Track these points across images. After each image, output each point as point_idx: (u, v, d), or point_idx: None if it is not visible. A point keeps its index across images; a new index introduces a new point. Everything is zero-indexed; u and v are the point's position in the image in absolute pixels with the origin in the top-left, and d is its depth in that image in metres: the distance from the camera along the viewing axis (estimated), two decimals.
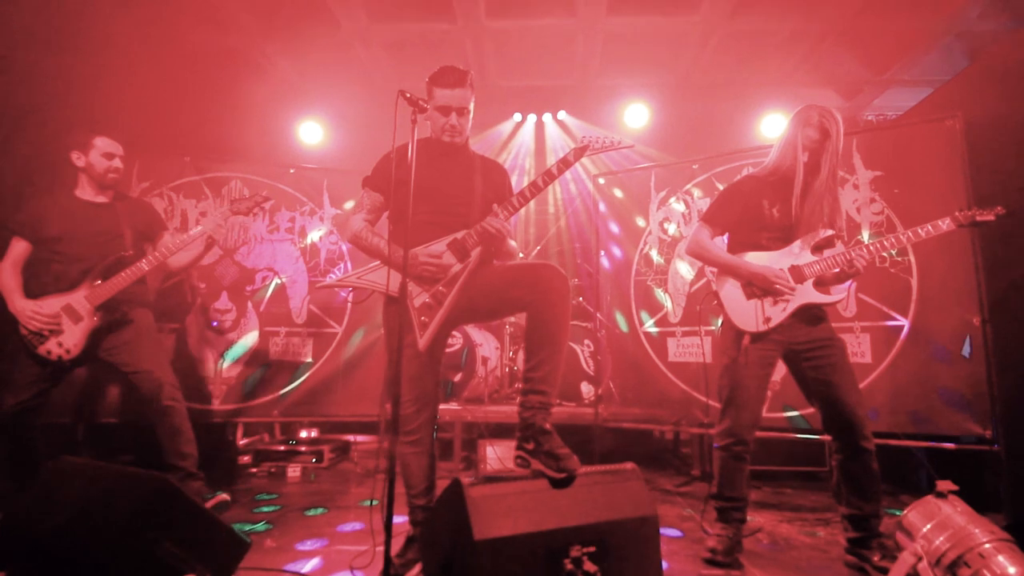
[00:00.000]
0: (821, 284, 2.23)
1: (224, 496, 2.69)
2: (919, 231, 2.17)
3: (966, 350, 2.89)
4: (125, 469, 1.72)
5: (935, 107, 4.20)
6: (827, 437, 3.23)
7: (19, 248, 2.64)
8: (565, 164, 2.05)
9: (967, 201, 2.98)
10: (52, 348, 2.52)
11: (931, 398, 2.98)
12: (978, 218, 2.15)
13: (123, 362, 2.62)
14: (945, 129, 3.10)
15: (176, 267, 2.83)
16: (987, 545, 1.50)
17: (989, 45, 4.68)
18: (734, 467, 2.22)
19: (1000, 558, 1.47)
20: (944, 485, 1.64)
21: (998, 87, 3.42)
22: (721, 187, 3.67)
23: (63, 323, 2.53)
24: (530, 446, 1.77)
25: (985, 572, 1.47)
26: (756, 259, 2.25)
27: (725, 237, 2.40)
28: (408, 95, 1.86)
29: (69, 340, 2.53)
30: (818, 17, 4.70)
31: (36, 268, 2.67)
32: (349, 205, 4.14)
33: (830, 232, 2.25)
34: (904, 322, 3.09)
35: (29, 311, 2.50)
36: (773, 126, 5.53)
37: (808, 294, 2.20)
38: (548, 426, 1.78)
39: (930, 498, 1.66)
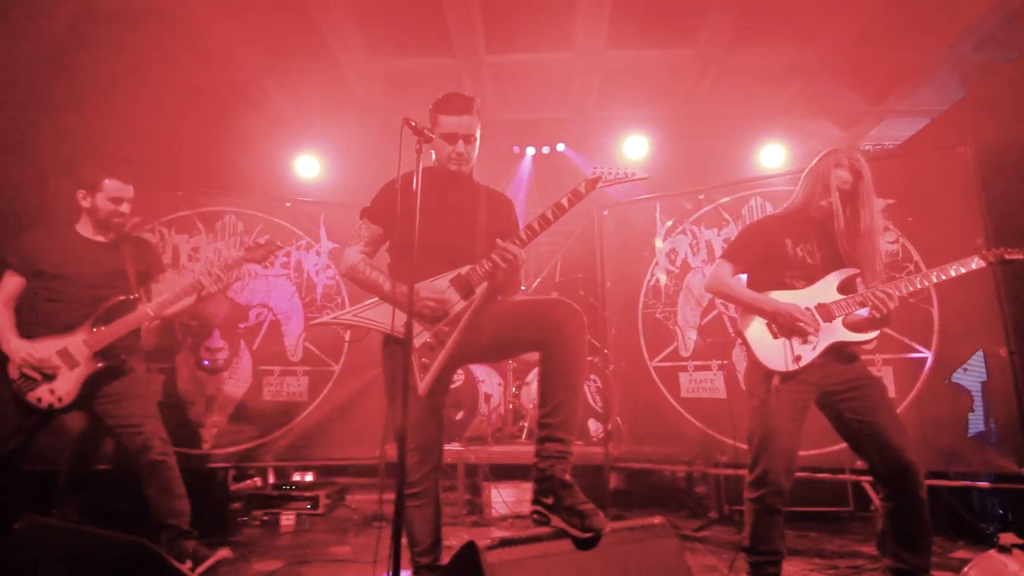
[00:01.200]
0: (853, 325, 2.12)
1: (225, 552, 2.48)
2: (948, 270, 2.10)
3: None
4: (98, 532, 1.56)
5: (937, 136, 4.20)
6: (849, 477, 3.12)
7: (13, 283, 2.50)
8: (576, 196, 1.96)
9: (984, 229, 2.91)
10: (43, 395, 2.35)
11: (961, 434, 2.84)
12: (1007, 256, 2.11)
13: (111, 414, 2.45)
14: (957, 156, 3.05)
15: (167, 315, 2.67)
16: None
17: (985, 75, 4.73)
18: (769, 520, 2.05)
19: None
20: (1007, 538, 1.50)
21: (1001, 114, 3.41)
22: (727, 216, 3.61)
23: (58, 368, 2.37)
24: (549, 500, 1.61)
25: None
26: (781, 297, 2.16)
27: (744, 277, 2.31)
28: (413, 123, 1.76)
29: (62, 387, 2.37)
30: (814, 50, 4.75)
31: (31, 305, 2.51)
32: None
33: (855, 271, 2.17)
34: (927, 354, 2.98)
35: (23, 353, 2.34)
36: (772, 156, 5.54)
37: (837, 332, 2.10)
38: (568, 478, 1.62)
39: (992, 553, 1.51)
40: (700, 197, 3.73)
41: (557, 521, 1.56)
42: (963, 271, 2.10)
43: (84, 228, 2.59)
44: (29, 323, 2.45)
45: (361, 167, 5.46)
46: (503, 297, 2.09)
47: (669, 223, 3.81)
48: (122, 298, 2.50)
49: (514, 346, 1.99)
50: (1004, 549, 1.49)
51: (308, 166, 5.51)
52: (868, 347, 3.06)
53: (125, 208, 2.56)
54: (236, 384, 3.74)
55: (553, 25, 4.43)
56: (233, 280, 2.78)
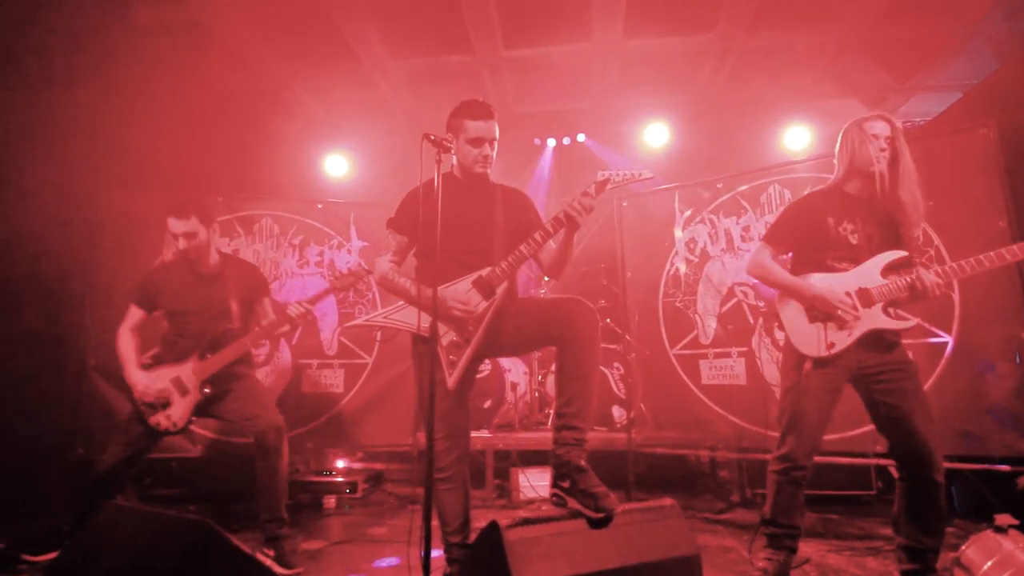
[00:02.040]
0: (894, 306, 2.12)
1: (299, 570, 2.64)
2: (992, 256, 2.03)
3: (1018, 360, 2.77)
4: (168, 513, 1.76)
5: (965, 113, 4.11)
6: (872, 461, 3.17)
7: (136, 314, 2.81)
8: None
9: (1006, 212, 2.89)
10: (161, 420, 2.64)
11: (981, 417, 2.86)
12: None
13: (226, 413, 2.73)
14: (979, 138, 3.03)
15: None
16: None
17: (1020, 46, 4.57)
18: (791, 492, 2.14)
19: None
20: (1003, 519, 1.57)
21: None
22: (746, 205, 3.64)
23: (172, 396, 2.66)
24: (566, 484, 1.75)
25: None
26: (822, 281, 2.15)
27: (789, 256, 2.34)
28: (432, 137, 1.89)
29: (176, 413, 2.66)
30: (835, 29, 4.65)
31: (150, 334, 2.84)
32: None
33: (902, 253, 2.14)
34: (948, 338, 2.99)
35: (142, 386, 2.63)
36: (797, 138, 5.46)
37: (876, 319, 2.08)
38: (583, 463, 1.76)
39: (989, 532, 1.58)
40: (719, 186, 3.77)
41: (573, 503, 1.70)
42: (1008, 258, 2.02)
43: (186, 263, 2.82)
44: (153, 353, 2.77)
45: (388, 164, 5.64)
46: (524, 296, 2.22)
47: (688, 212, 3.86)
48: (226, 328, 2.76)
49: (532, 342, 2.13)
50: (1000, 529, 1.55)
51: (337, 165, 5.70)
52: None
53: (182, 243, 2.74)
54: (277, 378, 3.98)
55: (570, 17, 4.47)
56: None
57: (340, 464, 4.65)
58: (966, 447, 2.86)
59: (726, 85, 5.36)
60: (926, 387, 3.00)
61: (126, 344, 2.75)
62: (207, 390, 2.68)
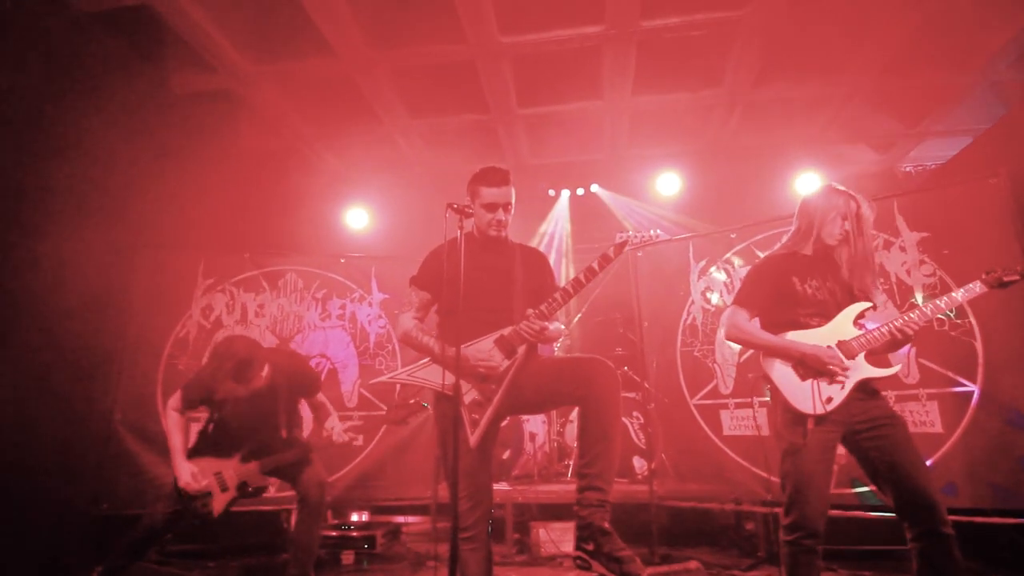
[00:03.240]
0: (873, 356, 2.16)
1: None
2: (955, 296, 2.12)
3: None
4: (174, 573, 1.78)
5: (976, 158, 4.16)
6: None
7: (181, 405, 2.83)
8: (606, 260, 2.13)
9: (1023, 258, 2.89)
10: (198, 508, 2.71)
11: (1014, 467, 2.79)
12: (1005, 278, 2.11)
13: (281, 473, 2.87)
14: (989, 188, 3.07)
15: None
16: None
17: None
18: (806, 561, 2.10)
19: None
20: None
21: None
22: (760, 254, 3.68)
23: (213, 490, 2.73)
24: (590, 547, 1.75)
25: None
26: (801, 338, 2.19)
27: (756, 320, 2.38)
28: (455, 206, 1.99)
29: (213, 504, 2.72)
30: (842, 80, 4.78)
31: (200, 423, 2.94)
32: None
33: (868, 304, 2.21)
34: (973, 388, 2.95)
35: (187, 478, 2.68)
36: (808, 184, 5.52)
37: (863, 369, 2.13)
38: (607, 525, 1.76)
39: None
40: (732, 236, 3.83)
41: (598, 567, 1.69)
42: (969, 296, 2.12)
43: (233, 379, 2.86)
44: (199, 444, 2.85)
45: (407, 217, 5.82)
46: (543, 353, 2.27)
47: (703, 262, 3.91)
48: (274, 436, 2.86)
49: (553, 400, 2.16)
50: None
51: (358, 218, 5.89)
52: (910, 381, 3.07)
53: (243, 384, 2.78)
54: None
55: (580, 77, 4.67)
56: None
57: (357, 518, 4.61)
58: (999, 500, 2.78)
59: (735, 134, 5.50)
60: (955, 437, 2.96)
61: (175, 425, 2.78)
62: (247, 489, 2.78)
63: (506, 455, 4.37)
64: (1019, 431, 2.80)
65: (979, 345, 2.97)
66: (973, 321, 3.00)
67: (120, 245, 4.03)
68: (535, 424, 4.53)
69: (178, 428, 2.79)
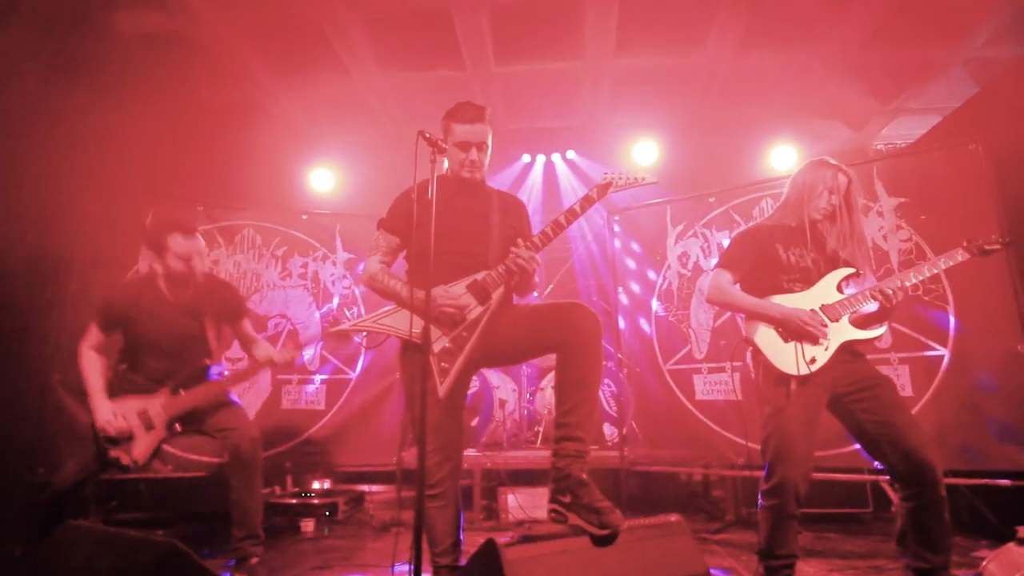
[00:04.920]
0: (860, 323, 2.14)
1: None
2: (939, 263, 2.14)
3: None
4: (133, 534, 1.61)
5: (951, 133, 4.18)
6: (869, 477, 3.10)
7: (97, 335, 2.56)
8: (589, 202, 2.00)
9: (998, 226, 2.90)
10: (121, 456, 2.43)
11: (980, 431, 2.82)
12: (987, 247, 2.14)
13: (208, 427, 2.55)
14: (968, 154, 3.06)
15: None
16: None
17: (997, 71, 4.70)
18: (786, 525, 2.05)
19: None
20: None
21: (1014, 110, 3.39)
22: (739, 219, 3.63)
23: (136, 431, 2.44)
24: (566, 499, 1.64)
25: None
26: (784, 302, 2.17)
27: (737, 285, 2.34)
28: (428, 135, 1.83)
29: (137, 450, 2.44)
30: (822, 52, 4.75)
31: (116, 358, 2.61)
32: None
33: (852, 270, 2.21)
34: (944, 352, 2.96)
35: (108, 415, 2.41)
36: (783, 157, 5.52)
37: (846, 331, 2.12)
38: (585, 476, 1.65)
39: (1011, 546, 1.51)
40: (710, 200, 3.76)
41: (574, 519, 1.59)
42: (951, 263, 2.14)
43: (164, 283, 2.59)
44: (119, 381, 2.55)
45: (375, 178, 5.55)
46: (519, 302, 2.14)
47: (680, 227, 3.83)
48: (202, 364, 2.57)
49: (532, 349, 2.03)
50: (1023, 542, 1.48)
51: (322, 179, 5.60)
52: (882, 345, 3.07)
53: (197, 263, 2.56)
54: (255, 394, 3.81)
55: (561, 34, 4.49)
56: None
57: (319, 486, 4.45)
58: (965, 462, 2.81)
59: (715, 105, 5.42)
60: (924, 401, 2.98)
61: (92, 365, 2.51)
62: (176, 428, 2.49)
63: (475, 422, 4.26)
64: (987, 394, 2.83)
65: (951, 310, 2.98)
66: (947, 286, 3.00)
67: (62, 196, 3.71)
68: (505, 392, 4.42)
69: (95, 368, 2.50)
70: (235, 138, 4.99)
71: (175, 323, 2.56)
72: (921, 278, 2.14)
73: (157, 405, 2.46)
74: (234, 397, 2.67)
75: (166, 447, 3.25)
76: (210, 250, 3.92)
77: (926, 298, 3.03)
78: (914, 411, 2.94)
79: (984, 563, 1.53)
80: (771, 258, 2.23)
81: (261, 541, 2.50)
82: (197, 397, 2.50)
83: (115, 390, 2.49)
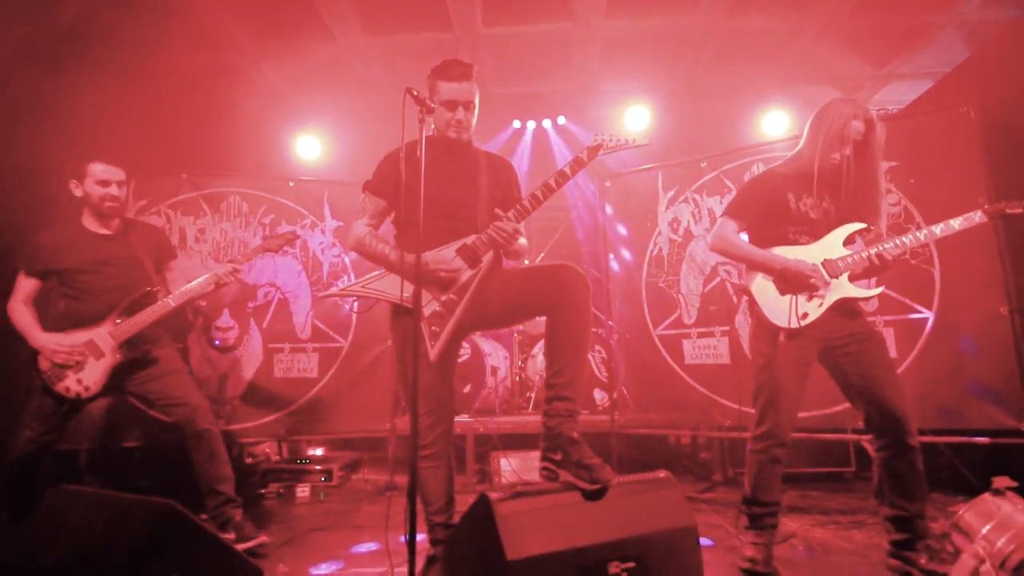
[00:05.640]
0: (857, 278, 2.15)
1: (264, 538, 2.52)
2: (952, 224, 2.08)
3: None
4: (129, 496, 1.62)
5: (943, 97, 4.15)
6: (852, 436, 3.18)
7: (28, 284, 2.51)
8: (579, 164, 1.98)
9: (987, 190, 2.91)
10: (71, 385, 2.39)
11: (961, 392, 2.89)
12: (1008, 211, 2.09)
13: (151, 392, 2.51)
14: (959, 117, 3.04)
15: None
16: None
17: (990, 34, 4.65)
18: (771, 471, 2.11)
19: None
20: (1001, 481, 1.55)
21: (1005, 74, 3.37)
22: (730, 184, 3.62)
23: (85, 358, 2.41)
24: (557, 456, 1.67)
25: None
26: (788, 254, 2.14)
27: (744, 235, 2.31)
28: (416, 93, 1.79)
29: (89, 377, 2.41)
30: (815, 14, 4.67)
31: (49, 305, 2.55)
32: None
33: (862, 225, 2.16)
34: (928, 314, 3.01)
35: (53, 344, 2.37)
36: (775, 123, 5.48)
37: (844, 288, 2.11)
38: (576, 435, 1.68)
39: (987, 496, 1.56)
40: (702, 165, 3.74)
41: (566, 475, 1.62)
42: (967, 225, 2.08)
43: (89, 221, 2.57)
44: (55, 322, 2.48)
45: (362, 144, 5.44)
46: (509, 265, 2.13)
47: (671, 192, 3.82)
48: (145, 290, 2.51)
49: (522, 311, 2.03)
50: (998, 492, 1.54)
51: (309, 147, 5.50)
52: (868, 308, 3.11)
53: (115, 190, 2.54)
54: (247, 362, 3.81)
55: None
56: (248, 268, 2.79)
57: (314, 452, 4.50)
58: (946, 421, 2.88)
59: (707, 70, 5.35)
60: (908, 362, 3.03)
61: (20, 313, 2.44)
62: (125, 354, 2.43)
63: (467, 389, 4.29)
64: (969, 356, 2.89)
65: (937, 273, 3.01)
66: (933, 249, 3.03)
67: (38, 164, 3.61)
68: (497, 359, 4.46)
69: (26, 314, 2.44)
70: (218, 104, 4.85)
71: (108, 254, 2.53)
72: (931, 239, 2.10)
73: (103, 333, 2.43)
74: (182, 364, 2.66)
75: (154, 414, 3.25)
76: (196, 218, 3.87)
77: (913, 261, 3.06)
78: (899, 372, 3.00)
79: (960, 512, 1.59)
80: (780, 207, 2.17)
81: (238, 503, 2.51)
82: (145, 320, 2.46)
83: (58, 328, 2.44)
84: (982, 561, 1.46)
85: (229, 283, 2.60)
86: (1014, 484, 1.55)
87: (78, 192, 2.55)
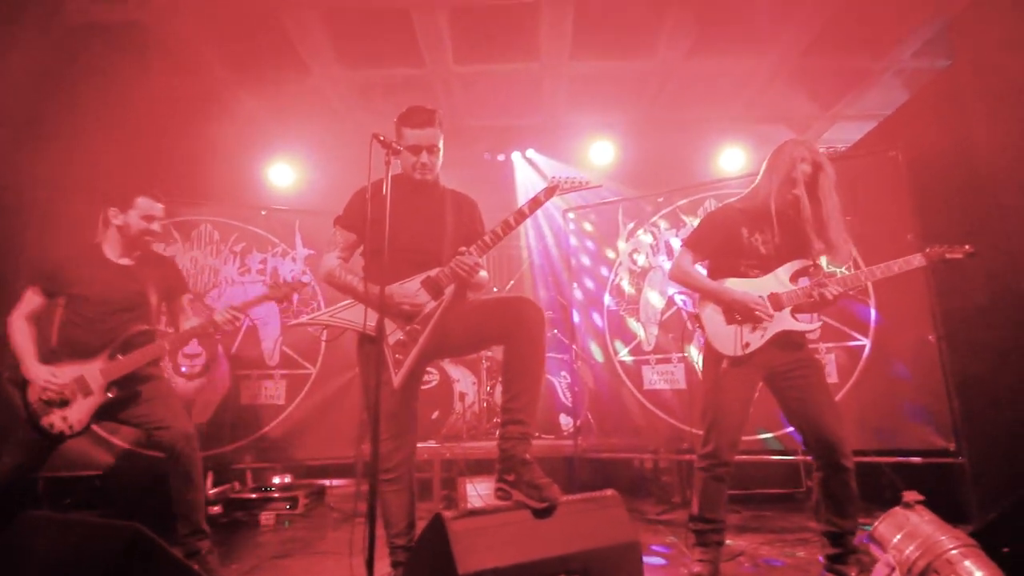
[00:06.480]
0: (800, 312, 2.30)
1: None
2: (892, 267, 2.23)
3: None
4: (96, 520, 1.67)
5: (879, 140, 4.49)
6: (802, 458, 3.36)
7: (34, 301, 2.49)
8: (536, 203, 2.12)
9: (914, 228, 3.17)
10: (55, 422, 2.37)
11: (896, 413, 3.09)
12: (948, 256, 2.23)
13: (136, 416, 2.50)
14: (888, 160, 3.33)
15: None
16: (954, 551, 1.56)
17: (923, 81, 5.05)
18: (715, 489, 2.25)
19: (967, 563, 1.53)
20: (911, 496, 1.71)
21: (931, 121, 3.69)
22: (685, 219, 3.83)
23: (73, 395, 2.39)
24: (511, 477, 1.78)
25: None
26: (738, 286, 2.31)
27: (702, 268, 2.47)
28: (382, 138, 1.92)
29: (74, 415, 2.39)
30: (767, 58, 5.01)
31: (51, 327, 2.53)
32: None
33: (808, 262, 2.33)
34: (866, 342, 3.23)
35: (45, 378, 2.36)
36: (732, 159, 5.80)
37: (786, 321, 2.26)
38: (528, 456, 1.79)
39: (898, 509, 1.72)
40: (659, 200, 3.95)
41: (518, 495, 1.73)
42: (907, 268, 2.22)
43: (111, 249, 2.58)
44: (54, 348, 2.48)
45: (335, 174, 5.56)
46: (472, 296, 2.26)
47: (631, 224, 4.02)
48: (142, 328, 2.52)
49: (481, 341, 2.16)
50: (907, 505, 1.70)
51: (282, 174, 5.59)
52: (812, 336, 3.31)
53: (156, 227, 2.58)
54: (214, 389, 3.82)
55: (518, 37, 4.61)
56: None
57: (279, 480, 4.48)
58: (884, 442, 3.08)
59: (667, 108, 5.65)
60: (847, 387, 3.24)
61: (21, 333, 2.43)
62: (112, 394, 2.43)
63: (435, 415, 4.36)
64: (902, 380, 3.11)
65: (872, 303, 3.25)
66: (869, 283, 3.26)
67: (7, 190, 3.62)
68: (465, 385, 4.54)
69: (26, 336, 2.42)
70: (192, 132, 4.92)
71: (119, 286, 2.54)
72: (871, 279, 2.25)
73: (94, 370, 2.42)
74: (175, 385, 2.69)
75: (113, 439, 3.24)
76: (166, 246, 3.91)
77: (851, 292, 3.27)
78: (839, 396, 3.20)
79: (875, 524, 1.74)
80: (734, 241, 2.32)
81: (206, 535, 2.51)
82: (137, 361, 2.47)
83: (51, 357, 2.44)
84: (893, 569, 1.61)
85: (226, 331, 2.65)
86: (921, 498, 1.71)
87: (117, 221, 2.56)
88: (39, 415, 2.37)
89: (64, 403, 2.38)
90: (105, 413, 2.48)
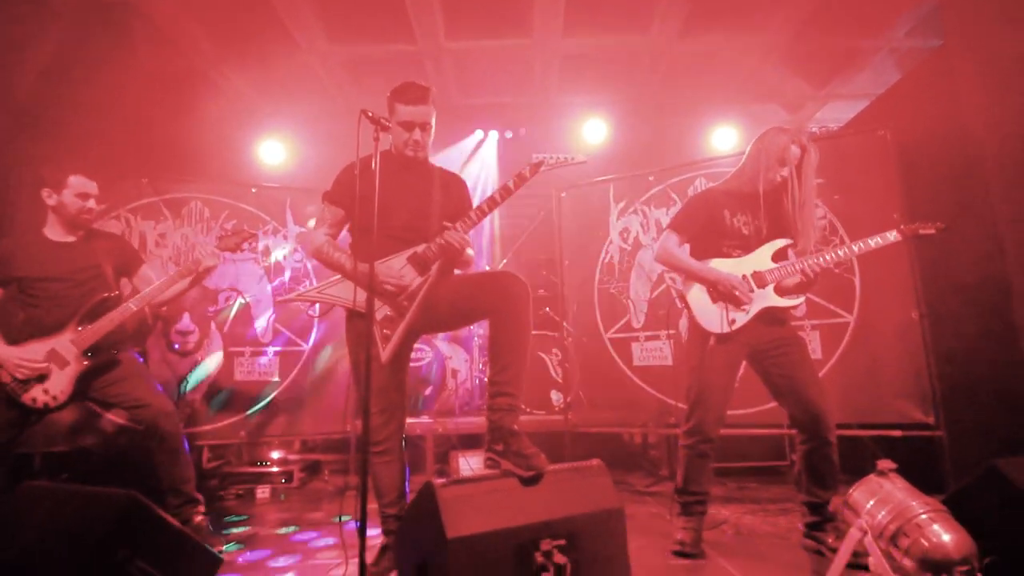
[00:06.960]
0: (783, 291, 2.34)
1: (220, 548, 2.54)
2: (869, 242, 2.29)
3: None
4: (92, 489, 1.71)
5: (869, 119, 4.50)
6: (786, 431, 3.43)
7: None
8: (521, 179, 2.13)
9: (901, 207, 3.20)
10: (38, 396, 2.40)
11: (879, 388, 3.16)
12: (921, 231, 2.30)
13: (115, 395, 2.52)
14: (877, 139, 3.34)
15: (158, 303, 2.69)
16: (923, 516, 1.62)
17: (915, 61, 5.05)
18: (699, 464, 2.32)
19: (935, 527, 1.60)
20: (884, 464, 1.77)
21: (920, 101, 3.70)
22: (676, 197, 3.85)
23: (49, 369, 2.42)
24: (499, 447, 1.83)
25: (922, 540, 1.59)
26: (720, 265, 2.35)
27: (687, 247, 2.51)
28: (370, 114, 1.91)
29: (56, 387, 2.42)
30: (761, 38, 4.98)
31: (6, 313, 2.53)
32: (312, 223, 4.15)
33: (788, 241, 2.37)
34: (850, 318, 3.29)
35: (15, 359, 2.39)
36: (723, 139, 5.81)
37: (769, 298, 2.31)
38: (516, 427, 1.84)
39: (872, 477, 1.78)
40: (650, 179, 3.96)
41: (506, 464, 1.78)
42: (882, 243, 2.29)
43: (52, 230, 2.58)
44: (14, 331, 2.47)
45: (325, 151, 5.52)
46: (459, 272, 2.28)
47: (622, 203, 4.03)
48: (104, 295, 2.53)
49: (468, 315, 2.19)
50: (881, 473, 1.76)
51: (273, 152, 5.55)
52: (797, 313, 3.36)
53: (92, 204, 2.58)
54: (208, 365, 3.85)
55: (510, 12, 4.56)
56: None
57: (275, 455, 4.54)
58: (866, 416, 3.15)
59: (660, 86, 5.62)
60: (831, 363, 3.30)
61: None
62: (88, 362, 2.45)
63: (428, 391, 4.42)
64: (885, 357, 3.17)
65: (857, 280, 3.29)
66: (854, 260, 3.31)
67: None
68: (457, 362, 4.59)
69: None
70: (180, 109, 4.86)
71: (69, 263, 2.54)
72: (850, 256, 2.30)
73: (64, 341, 2.44)
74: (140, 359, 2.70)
75: (110, 415, 3.27)
76: (156, 223, 3.90)
77: (836, 270, 3.33)
78: (823, 372, 3.26)
79: (850, 491, 1.81)
80: (717, 223, 2.38)
81: (199, 502, 2.57)
82: (107, 325, 2.48)
83: (16, 339, 2.45)
84: (865, 533, 1.68)
85: (199, 280, 2.65)
86: (894, 465, 1.77)
87: (51, 201, 2.54)
88: (18, 393, 2.39)
89: (42, 378, 2.41)
90: (87, 385, 2.50)
